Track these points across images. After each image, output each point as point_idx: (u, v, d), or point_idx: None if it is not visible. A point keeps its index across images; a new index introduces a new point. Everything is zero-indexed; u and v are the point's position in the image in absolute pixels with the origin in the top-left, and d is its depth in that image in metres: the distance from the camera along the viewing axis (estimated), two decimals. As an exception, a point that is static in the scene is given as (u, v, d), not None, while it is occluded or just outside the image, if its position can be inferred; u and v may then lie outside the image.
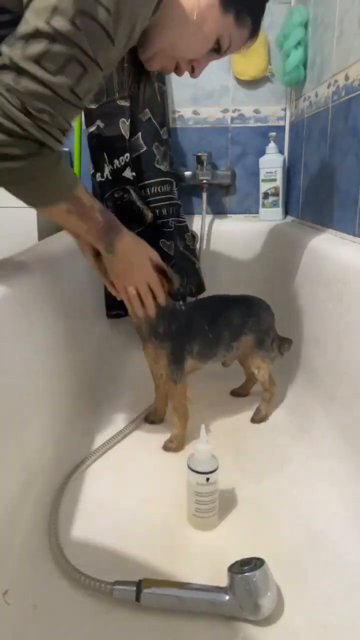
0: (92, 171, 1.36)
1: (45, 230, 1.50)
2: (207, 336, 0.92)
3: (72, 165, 1.81)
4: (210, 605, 0.59)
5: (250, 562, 0.60)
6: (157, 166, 1.36)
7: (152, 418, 1.02)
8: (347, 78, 1.05)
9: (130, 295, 0.83)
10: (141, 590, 0.59)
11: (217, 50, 0.76)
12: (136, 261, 0.83)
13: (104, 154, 1.31)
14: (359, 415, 0.85)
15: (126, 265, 0.82)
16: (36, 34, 0.56)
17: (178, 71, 0.79)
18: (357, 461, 0.81)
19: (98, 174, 1.34)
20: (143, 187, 1.35)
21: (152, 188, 1.36)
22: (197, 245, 1.53)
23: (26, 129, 0.59)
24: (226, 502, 0.78)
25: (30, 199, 0.68)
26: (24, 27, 0.57)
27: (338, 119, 1.11)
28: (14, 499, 0.71)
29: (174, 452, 0.91)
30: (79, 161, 1.75)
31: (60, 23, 0.55)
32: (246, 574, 0.58)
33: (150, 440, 0.95)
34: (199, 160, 1.57)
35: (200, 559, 0.68)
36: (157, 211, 1.35)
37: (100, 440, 0.93)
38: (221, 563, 0.62)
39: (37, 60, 0.56)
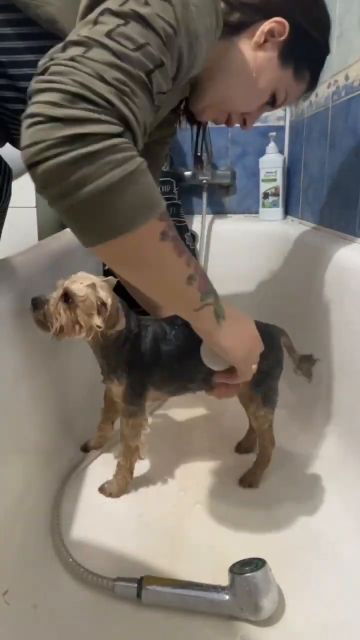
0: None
1: (45, 230, 1.50)
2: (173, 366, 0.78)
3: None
4: (210, 605, 0.59)
5: (252, 562, 0.60)
6: (157, 166, 1.36)
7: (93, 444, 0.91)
8: (347, 78, 1.05)
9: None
10: (142, 587, 0.59)
11: (272, 103, 0.73)
12: (252, 333, 0.64)
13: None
14: (359, 415, 0.85)
15: (244, 336, 0.62)
16: (105, 12, 0.46)
17: (229, 123, 0.76)
18: (357, 461, 0.81)
19: (98, 174, 1.34)
20: (143, 187, 1.35)
21: (152, 188, 1.36)
22: (197, 245, 1.53)
23: (107, 98, 0.42)
24: (226, 502, 0.78)
25: (110, 217, 0.44)
26: (92, 15, 0.47)
27: (338, 119, 1.11)
28: (14, 499, 0.71)
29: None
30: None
31: (135, 6, 0.46)
32: (247, 574, 0.58)
33: (151, 440, 0.95)
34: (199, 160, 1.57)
35: (201, 558, 0.68)
36: (157, 211, 1.35)
37: (100, 440, 0.93)
38: (221, 562, 0.63)
39: (110, 34, 0.44)
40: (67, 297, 0.70)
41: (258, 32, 0.65)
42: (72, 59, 0.43)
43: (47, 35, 0.60)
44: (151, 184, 0.46)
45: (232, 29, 0.65)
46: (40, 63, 0.46)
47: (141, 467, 0.88)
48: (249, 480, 0.83)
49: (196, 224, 1.59)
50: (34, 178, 0.43)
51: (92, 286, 0.71)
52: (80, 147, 0.41)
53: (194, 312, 0.56)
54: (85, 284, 0.71)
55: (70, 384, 1.04)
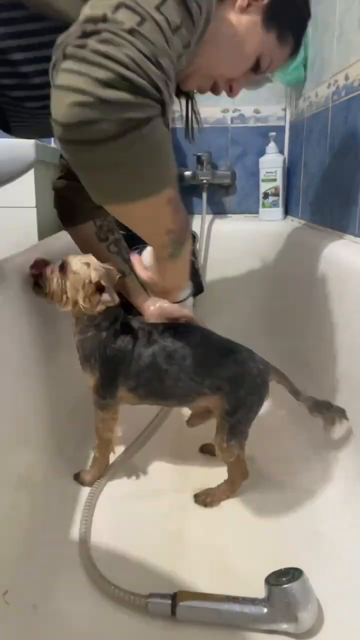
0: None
1: (45, 230, 1.50)
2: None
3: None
4: (248, 619, 0.56)
5: (288, 572, 0.58)
6: (157, 166, 1.36)
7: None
8: (347, 78, 1.05)
9: None
10: (177, 604, 0.57)
11: (256, 69, 0.73)
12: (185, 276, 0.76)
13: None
14: (358, 416, 0.85)
15: (180, 279, 0.75)
16: None
17: (215, 91, 0.76)
18: (357, 461, 0.81)
19: (98, 174, 1.34)
20: (143, 187, 1.35)
21: (152, 188, 1.36)
22: (197, 245, 1.53)
23: (157, 85, 0.47)
24: (226, 502, 0.78)
25: (139, 184, 0.53)
26: None
27: (338, 119, 1.11)
28: (13, 499, 0.71)
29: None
30: (79, 161, 1.74)
31: None
32: (285, 585, 0.56)
33: (151, 440, 0.95)
34: (199, 160, 1.57)
35: (201, 558, 0.68)
36: (157, 211, 1.35)
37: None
38: (221, 562, 0.62)
39: (159, 8, 0.48)
40: (63, 267, 0.74)
41: None
42: (129, 31, 0.45)
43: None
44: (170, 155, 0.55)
45: None
46: (74, 29, 0.46)
47: (141, 467, 0.88)
48: (204, 498, 0.78)
49: (196, 224, 1.59)
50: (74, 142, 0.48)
51: (87, 265, 0.74)
52: (126, 133, 0.47)
53: (159, 255, 0.68)
54: (83, 261, 0.74)
55: (68, 387, 1.04)
